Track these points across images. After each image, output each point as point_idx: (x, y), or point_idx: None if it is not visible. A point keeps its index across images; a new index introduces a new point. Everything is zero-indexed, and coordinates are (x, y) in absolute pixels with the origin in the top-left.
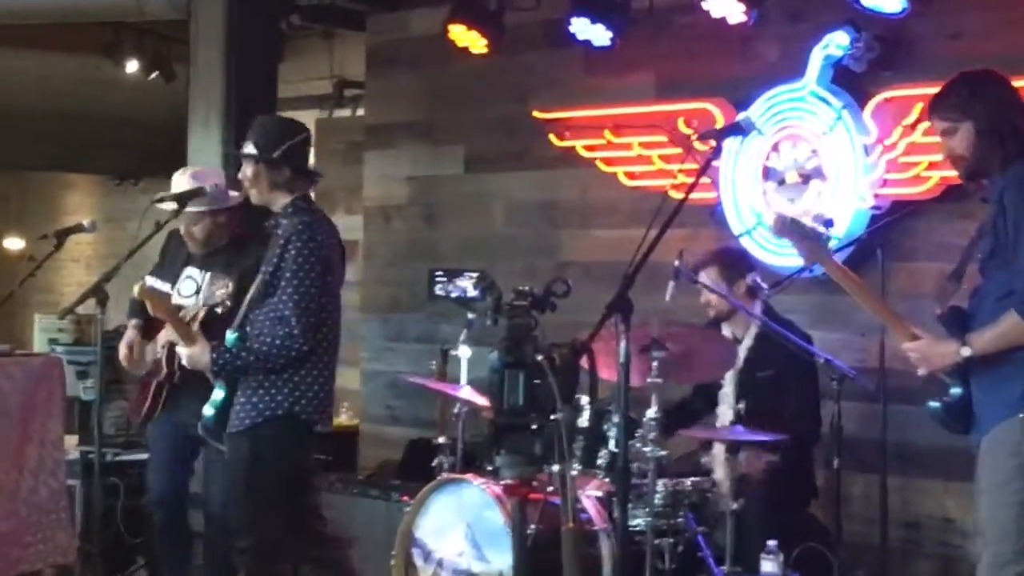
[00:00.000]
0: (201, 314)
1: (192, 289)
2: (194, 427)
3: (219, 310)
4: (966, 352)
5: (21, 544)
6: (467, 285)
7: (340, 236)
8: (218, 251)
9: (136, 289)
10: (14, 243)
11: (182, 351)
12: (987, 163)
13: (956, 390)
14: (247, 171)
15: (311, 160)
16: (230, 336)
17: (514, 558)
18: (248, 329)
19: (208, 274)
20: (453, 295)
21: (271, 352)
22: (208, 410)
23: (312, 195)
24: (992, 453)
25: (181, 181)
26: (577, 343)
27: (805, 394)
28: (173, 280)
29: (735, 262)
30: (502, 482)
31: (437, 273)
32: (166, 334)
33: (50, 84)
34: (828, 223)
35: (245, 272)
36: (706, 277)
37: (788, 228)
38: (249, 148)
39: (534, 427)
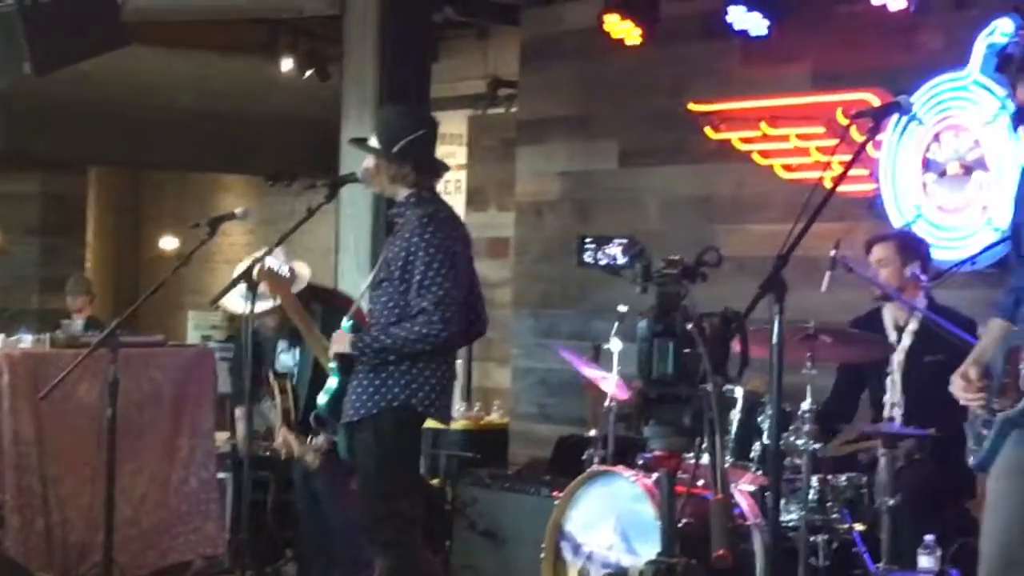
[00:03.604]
0: None
1: None
2: None
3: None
4: None
5: (171, 534)
6: (616, 252)
7: (464, 228)
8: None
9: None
10: (170, 243)
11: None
12: None
13: None
14: (368, 163)
15: (436, 152)
16: (345, 324)
17: (662, 534)
18: (367, 312)
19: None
20: (602, 262)
21: (410, 339)
22: (322, 398)
23: (436, 186)
24: None
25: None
26: (728, 312)
27: None
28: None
29: (913, 245)
30: (650, 453)
31: (586, 240)
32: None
33: (208, 85)
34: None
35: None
36: (878, 251)
37: None
38: (372, 141)
39: (684, 397)
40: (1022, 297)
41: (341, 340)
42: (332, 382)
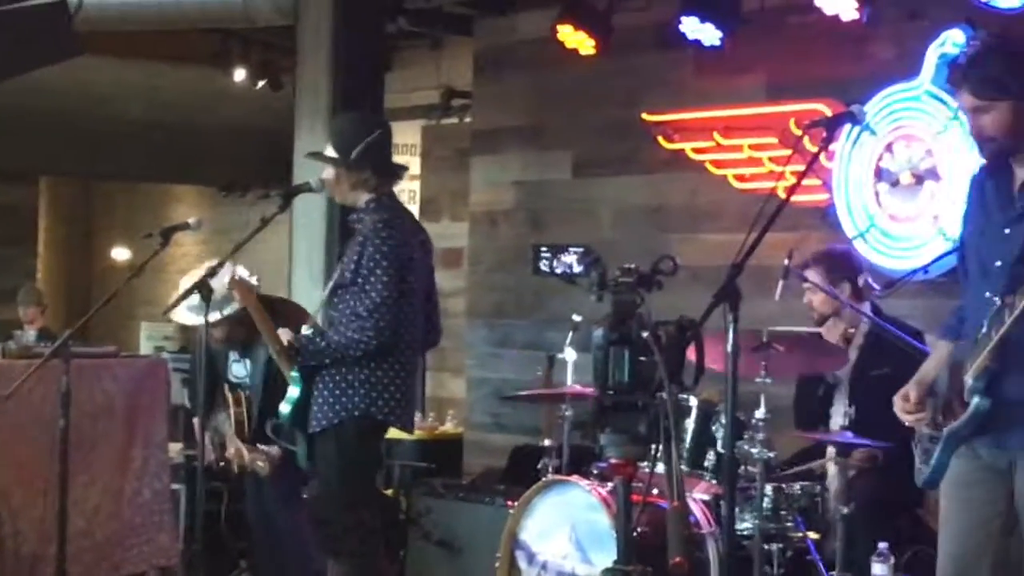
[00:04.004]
0: None
1: None
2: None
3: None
4: None
5: (124, 546)
6: (572, 260)
7: (425, 235)
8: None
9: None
10: (121, 253)
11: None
12: (1018, 145)
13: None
14: (327, 173)
15: (393, 156)
16: (305, 330)
17: (618, 541)
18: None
19: None
20: (558, 271)
21: (342, 344)
22: (284, 407)
23: (395, 191)
24: None
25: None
26: (684, 320)
27: None
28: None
29: (839, 263)
30: (606, 460)
31: (542, 249)
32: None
33: (159, 95)
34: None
35: None
36: (809, 277)
37: None
38: (328, 151)
39: (639, 405)
40: (966, 315)
41: (286, 332)
42: (293, 391)
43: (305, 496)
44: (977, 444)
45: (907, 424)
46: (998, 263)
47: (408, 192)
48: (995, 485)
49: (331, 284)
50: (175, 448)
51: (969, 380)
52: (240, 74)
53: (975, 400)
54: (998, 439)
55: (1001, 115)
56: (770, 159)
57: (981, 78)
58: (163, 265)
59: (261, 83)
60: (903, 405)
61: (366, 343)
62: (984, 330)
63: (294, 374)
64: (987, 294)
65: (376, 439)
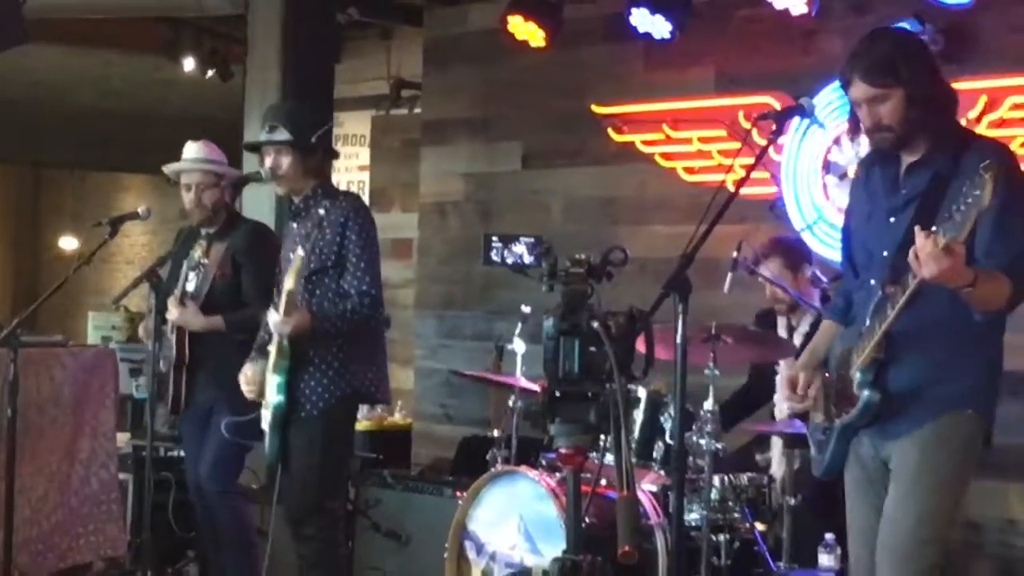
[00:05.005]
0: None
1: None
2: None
3: (190, 287)
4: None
5: (72, 535)
6: (522, 250)
7: None
8: (217, 231)
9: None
10: (69, 243)
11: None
12: (915, 135)
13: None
14: (281, 160)
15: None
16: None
17: (567, 530)
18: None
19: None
20: (509, 260)
21: (355, 318)
22: (278, 397)
23: (344, 181)
24: (941, 448)
25: (192, 148)
26: (634, 311)
27: None
28: (179, 270)
29: (796, 251)
30: (555, 450)
31: (493, 238)
32: (173, 316)
33: (108, 83)
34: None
35: (236, 250)
36: (768, 268)
37: None
38: (282, 135)
39: (589, 395)
40: (851, 299)
41: (302, 321)
42: (279, 379)
43: (255, 486)
44: (869, 435)
45: (790, 413)
46: (884, 252)
47: (358, 183)
48: (888, 480)
49: (305, 271)
50: (123, 438)
51: (857, 374)
52: (190, 63)
53: (865, 394)
54: (882, 430)
55: (897, 103)
56: (719, 152)
57: (872, 64)
58: (110, 255)
59: (211, 72)
60: (790, 395)
61: (377, 319)
62: (868, 322)
63: (282, 362)
64: (872, 282)
65: (353, 421)
